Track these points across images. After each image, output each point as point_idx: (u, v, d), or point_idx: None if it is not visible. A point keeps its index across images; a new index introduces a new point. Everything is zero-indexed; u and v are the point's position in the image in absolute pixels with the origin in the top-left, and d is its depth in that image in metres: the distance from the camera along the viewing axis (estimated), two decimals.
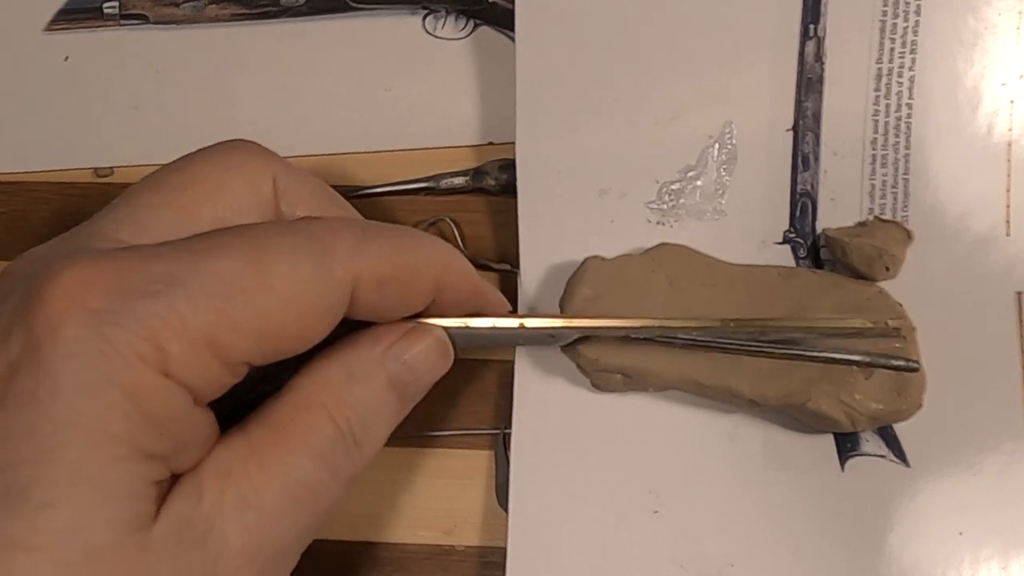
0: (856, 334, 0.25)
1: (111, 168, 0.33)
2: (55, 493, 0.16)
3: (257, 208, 0.21)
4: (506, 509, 0.29)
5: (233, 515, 0.19)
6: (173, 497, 0.18)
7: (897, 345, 0.26)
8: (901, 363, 0.25)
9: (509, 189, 0.30)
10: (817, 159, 0.29)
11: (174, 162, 0.22)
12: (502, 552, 0.28)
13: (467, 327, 0.24)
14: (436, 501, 0.30)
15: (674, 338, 0.26)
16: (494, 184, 0.31)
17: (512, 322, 0.25)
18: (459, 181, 0.31)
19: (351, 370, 0.21)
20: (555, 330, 0.25)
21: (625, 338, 0.26)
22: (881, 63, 0.29)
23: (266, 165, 0.22)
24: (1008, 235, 0.28)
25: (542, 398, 0.29)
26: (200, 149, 0.22)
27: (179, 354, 0.17)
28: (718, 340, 0.26)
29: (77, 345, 0.16)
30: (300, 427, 0.20)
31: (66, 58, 0.34)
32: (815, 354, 0.25)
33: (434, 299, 0.23)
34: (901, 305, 0.27)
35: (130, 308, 0.17)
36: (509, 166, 0.30)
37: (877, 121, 0.29)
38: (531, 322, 0.25)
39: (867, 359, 0.25)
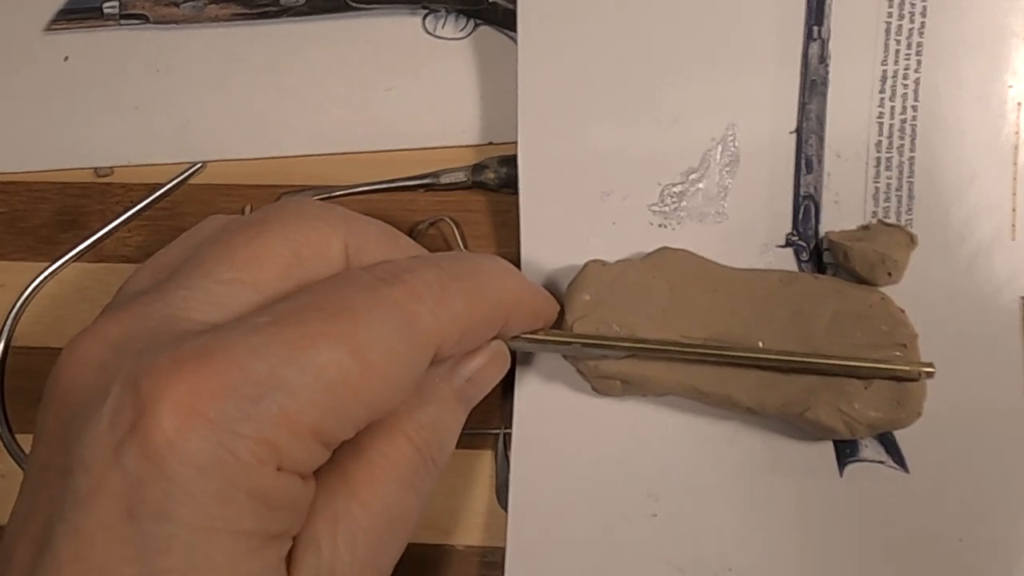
0: (889, 375, 0.25)
1: (111, 168, 0.33)
2: None
3: (328, 273, 0.21)
4: (506, 509, 0.29)
5: (348, 556, 0.20)
6: (297, 556, 0.19)
7: (898, 354, 0.26)
8: (902, 373, 0.25)
9: (509, 183, 0.30)
10: (820, 162, 0.29)
11: (242, 228, 0.21)
12: (502, 552, 0.28)
13: (524, 339, 0.25)
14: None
15: (705, 355, 0.26)
16: (494, 177, 0.31)
17: (568, 338, 0.26)
18: (459, 176, 0.31)
19: (423, 393, 0.22)
20: (607, 348, 0.26)
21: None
22: (886, 65, 0.28)
23: (337, 230, 0.22)
24: (1013, 239, 0.28)
25: (542, 400, 0.29)
26: (267, 212, 0.22)
27: (289, 449, 0.18)
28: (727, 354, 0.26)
29: (202, 457, 0.17)
30: (388, 459, 0.21)
31: (66, 58, 0.33)
32: (817, 362, 0.25)
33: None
34: (903, 311, 0.27)
35: (245, 415, 0.17)
36: (509, 160, 0.30)
37: (882, 124, 0.29)
38: (585, 339, 0.26)
39: (868, 370, 0.25)
